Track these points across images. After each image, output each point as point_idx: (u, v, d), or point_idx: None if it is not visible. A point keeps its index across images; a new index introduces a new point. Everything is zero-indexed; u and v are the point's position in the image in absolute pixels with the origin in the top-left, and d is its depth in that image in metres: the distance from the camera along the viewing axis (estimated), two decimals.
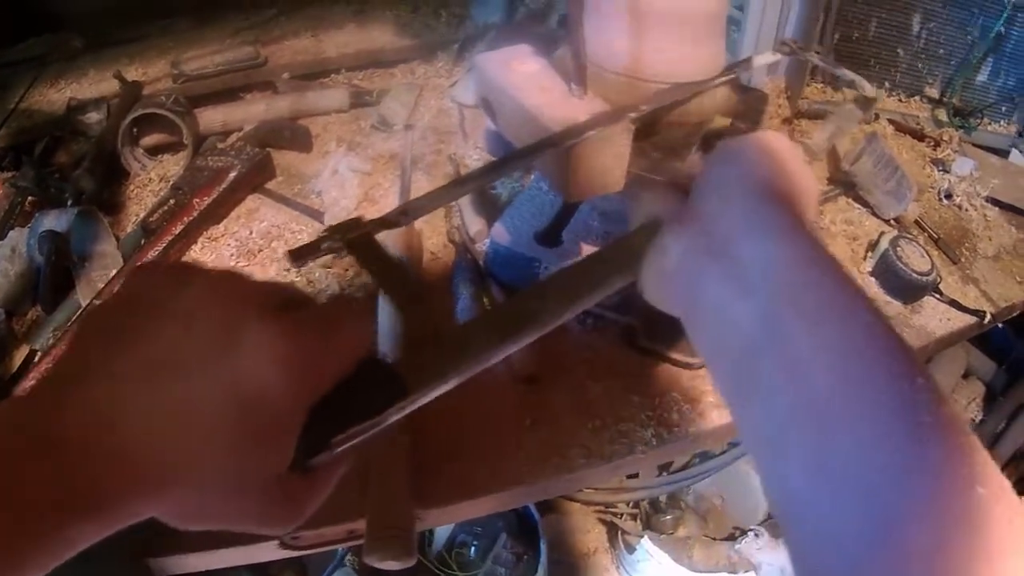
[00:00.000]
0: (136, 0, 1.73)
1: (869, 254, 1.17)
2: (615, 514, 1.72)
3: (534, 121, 0.75)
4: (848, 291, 0.42)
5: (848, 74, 0.84)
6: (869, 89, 0.79)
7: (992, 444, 1.65)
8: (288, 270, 1.09)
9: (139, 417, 0.35)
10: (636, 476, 1.65)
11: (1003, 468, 1.62)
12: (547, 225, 0.96)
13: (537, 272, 0.95)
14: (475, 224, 1.09)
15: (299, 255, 0.52)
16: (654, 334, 0.93)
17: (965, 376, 1.78)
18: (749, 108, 0.90)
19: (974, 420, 1.72)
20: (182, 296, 0.39)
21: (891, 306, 1.12)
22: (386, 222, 0.55)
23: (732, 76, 0.83)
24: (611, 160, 0.72)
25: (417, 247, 1.08)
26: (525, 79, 0.81)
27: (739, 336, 0.44)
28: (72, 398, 0.34)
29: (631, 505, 1.71)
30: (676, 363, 0.94)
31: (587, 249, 0.94)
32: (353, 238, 0.52)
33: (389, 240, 0.97)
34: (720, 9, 0.82)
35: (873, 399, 0.37)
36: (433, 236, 1.14)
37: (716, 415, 0.89)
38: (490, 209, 1.10)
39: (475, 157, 1.27)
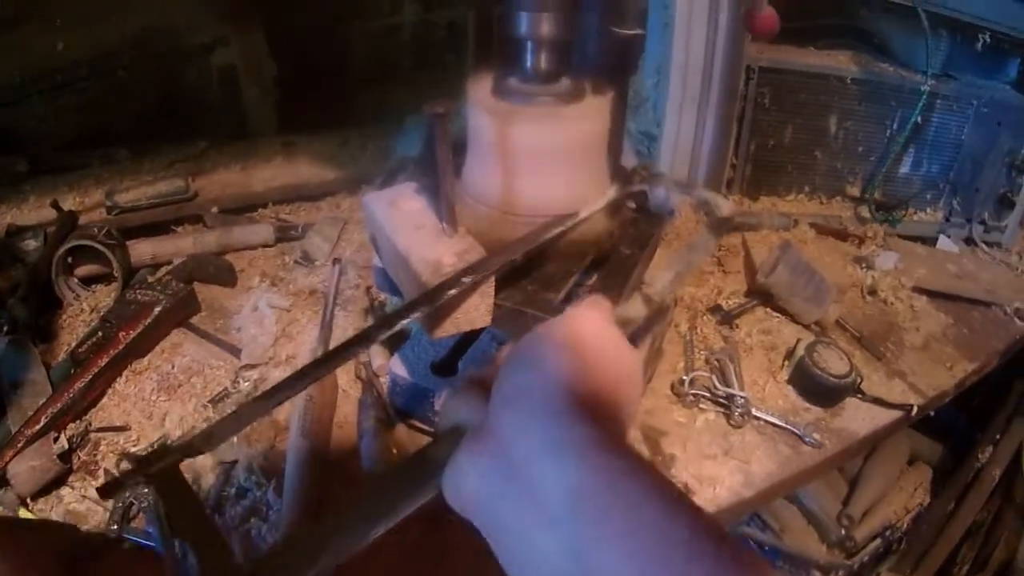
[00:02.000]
0: (80, 127, 1.77)
1: (786, 362, 1.17)
2: None
3: (404, 260, 0.76)
4: (664, 507, 0.38)
5: (703, 193, 0.85)
6: (724, 206, 0.80)
7: (943, 526, 1.62)
8: (206, 406, 1.10)
9: None
10: None
11: (955, 548, 1.60)
12: (443, 356, 0.97)
13: (432, 402, 0.95)
14: (378, 358, 1.09)
15: (106, 491, 0.51)
16: None
17: (911, 462, 1.77)
18: (640, 233, 0.92)
19: (922, 505, 1.69)
20: None
21: (811, 412, 1.11)
22: (191, 449, 0.53)
23: (602, 206, 0.85)
24: (475, 299, 0.74)
25: (330, 386, 1.08)
26: (403, 217, 0.83)
27: (548, 573, 0.40)
28: None
29: None
30: None
31: None
32: (156, 471, 0.50)
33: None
34: (595, 141, 0.85)
35: None
36: (342, 373, 1.14)
37: None
38: (396, 341, 1.09)
39: (393, 296, 1.25)
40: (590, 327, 0.50)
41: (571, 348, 0.47)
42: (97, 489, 0.50)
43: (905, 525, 1.69)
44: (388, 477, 0.52)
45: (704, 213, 0.83)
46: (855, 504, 1.63)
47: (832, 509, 1.62)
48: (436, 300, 0.70)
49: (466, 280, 0.71)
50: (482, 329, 0.97)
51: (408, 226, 0.81)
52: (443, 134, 0.73)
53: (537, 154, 0.82)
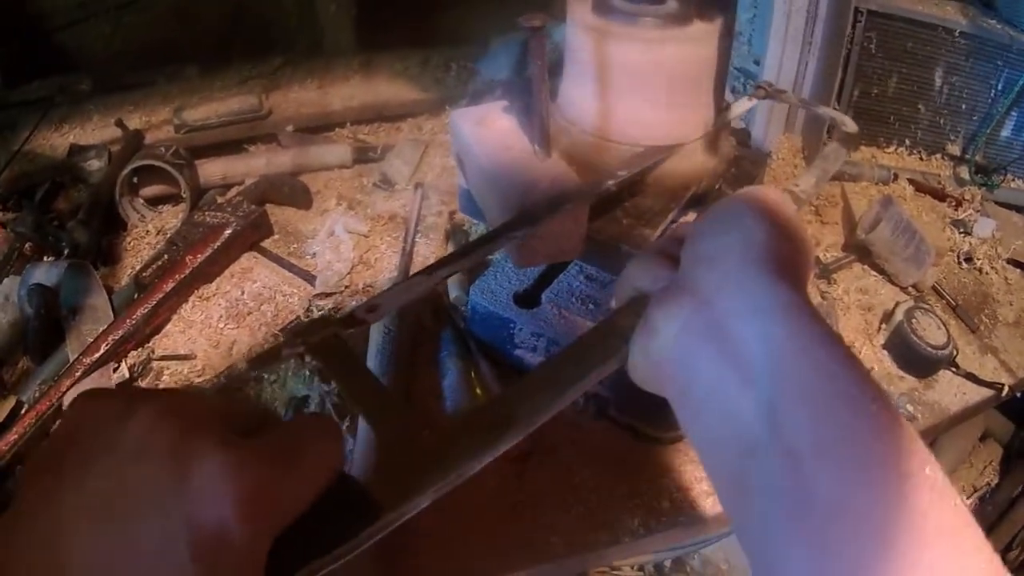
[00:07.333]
0: (145, 45, 1.73)
1: (883, 326, 1.10)
2: None
3: (493, 182, 0.71)
4: (855, 377, 0.39)
5: (828, 112, 0.81)
6: (850, 124, 0.76)
7: (1007, 509, 1.55)
8: (276, 335, 1.05)
9: (86, 562, 0.31)
10: None
11: (1017, 533, 1.53)
12: (527, 286, 0.92)
13: (513, 334, 0.90)
14: (455, 289, 1.05)
15: (259, 362, 0.50)
16: (625, 405, 0.87)
17: (983, 438, 1.69)
18: (742, 172, 0.86)
19: (989, 485, 1.62)
20: (129, 425, 0.35)
21: (905, 381, 1.05)
22: (353, 320, 0.50)
23: (706, 135, 0.79)
24: (566, 227, 0.68)
25: (410, 320, 1.03)
26: (493, 137, 0.77)
27: (737, 428, 0.40)
28: (16, 541, 0.32)
29: (636, 568, 1.64)
30: (647, 437, 0.89)
31: (564, 315, 0.89)
32: (317, 341, 0.48)
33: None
34: (700, 68, 0.78)
35: (877, 505, 0.34)
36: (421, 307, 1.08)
37: (710, 503, 0.84)
38: (476, 270, 1.04)
39: (476, 221, 1.21)
40: (778, 200, 0.50)
41: (766, 216, 0.48)
42: (249, 361, 0.48)
43: (972, 505, 1.62)
44: (567, 352, 0.50)
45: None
46: None
47: None
48: (526, 226, 0.65)
49: (559, 207, 0.66)
50: (565, 264, 0.93)
51: (498, 147, 0.76)
52: (539, 49, 0.68)
53: (639, 77, 0.76)
